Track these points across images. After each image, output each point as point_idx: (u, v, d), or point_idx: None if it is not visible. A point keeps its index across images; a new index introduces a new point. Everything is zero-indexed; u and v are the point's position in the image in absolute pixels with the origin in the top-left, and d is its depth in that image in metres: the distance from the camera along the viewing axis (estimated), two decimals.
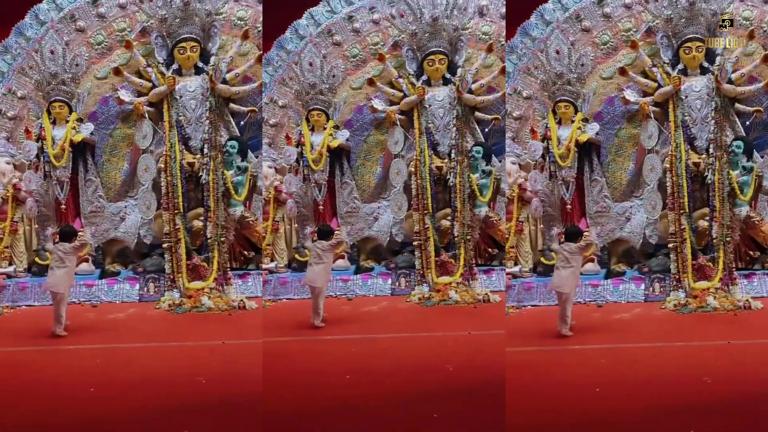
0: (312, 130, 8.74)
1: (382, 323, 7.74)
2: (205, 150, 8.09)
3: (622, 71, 8.33)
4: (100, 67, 8.36)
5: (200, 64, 8.18)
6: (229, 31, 8.37)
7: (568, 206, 8.53)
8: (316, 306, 7.36)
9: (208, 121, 8.11)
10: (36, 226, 8.29)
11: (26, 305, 8.08)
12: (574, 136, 8.39)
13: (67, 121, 8.26)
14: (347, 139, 8.83)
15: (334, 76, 8.76)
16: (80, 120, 8.32)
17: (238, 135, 8.34)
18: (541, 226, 8.53)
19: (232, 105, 8.35)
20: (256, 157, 8.37)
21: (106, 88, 8.36)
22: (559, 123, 8.45)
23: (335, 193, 8.88)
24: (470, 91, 8.63)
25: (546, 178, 8.53)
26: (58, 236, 7.25)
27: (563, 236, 7.41)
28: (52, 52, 8.25)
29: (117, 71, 8.18)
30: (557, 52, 8.38)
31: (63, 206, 8.29)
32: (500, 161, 8.66)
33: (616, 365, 6.31)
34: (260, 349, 6.36)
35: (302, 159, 8.78)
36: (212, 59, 8.18)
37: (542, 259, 8.45)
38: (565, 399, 5.53)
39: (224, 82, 8.22)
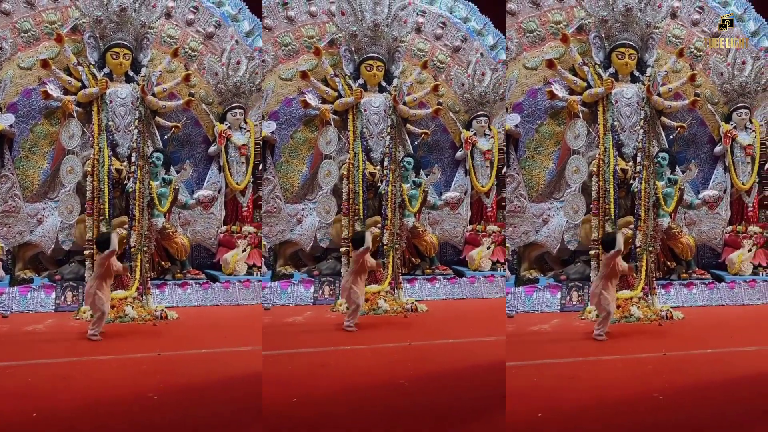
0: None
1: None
2: (133, 158, 8.06)
3: (550, 64, 7.84)
4: (25, 56, 8.03)
5: (131, 73, 8.11)
6: (159, 47, 8.45)
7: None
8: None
9: (136, 130, 8.09)
10: None
11: None
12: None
13: None
14: (272, 132, 8.57)
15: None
16: None
17: (163, 147, 8.44)
18: None
19: (158, 118, 8.44)
20: (177, 171, 8.52)
21: (30, 80, 8.05)
22: None
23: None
24: (404, 103, 8.73)
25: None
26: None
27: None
28: None
29: (45, 64, 7.85)
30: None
31: None
32: (427, 175, 9.08)
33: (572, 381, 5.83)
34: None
35: None
36: (143, 70, 8.16)
37: None
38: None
39: (153, 95, 8.28)
